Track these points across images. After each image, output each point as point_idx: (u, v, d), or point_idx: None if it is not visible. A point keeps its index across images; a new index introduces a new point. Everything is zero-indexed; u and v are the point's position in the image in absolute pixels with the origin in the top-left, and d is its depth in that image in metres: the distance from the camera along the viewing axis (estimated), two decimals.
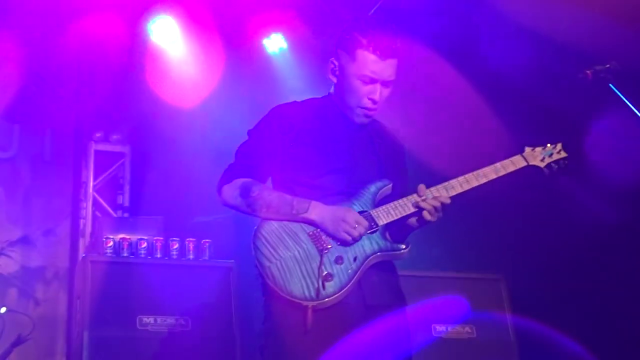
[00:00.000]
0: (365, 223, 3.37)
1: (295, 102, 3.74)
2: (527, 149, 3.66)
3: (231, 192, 3.52)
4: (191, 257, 6.39)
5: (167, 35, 7.39)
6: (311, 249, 3.35)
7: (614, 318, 6.24)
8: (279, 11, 7.33)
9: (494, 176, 3.54)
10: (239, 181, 3.52)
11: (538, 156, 3.63)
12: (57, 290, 7.30)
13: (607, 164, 5.65)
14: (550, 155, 3.64)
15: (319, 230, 3.39)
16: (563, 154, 3.66)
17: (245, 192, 3.47)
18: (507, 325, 6.35)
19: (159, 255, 6.34)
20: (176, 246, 6.38)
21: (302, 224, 3.40)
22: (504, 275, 6.54)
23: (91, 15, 7.12)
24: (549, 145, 3.67)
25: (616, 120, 3.56)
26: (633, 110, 3.39)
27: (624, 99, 3.44)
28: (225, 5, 7.15)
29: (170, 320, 6.03)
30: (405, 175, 3.76)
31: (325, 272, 3.28)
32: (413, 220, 3.54)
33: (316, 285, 3.25)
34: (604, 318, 6.30)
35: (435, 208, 3.42)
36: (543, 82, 6.23)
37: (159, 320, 6.00)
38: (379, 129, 3.76)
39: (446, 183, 3.51)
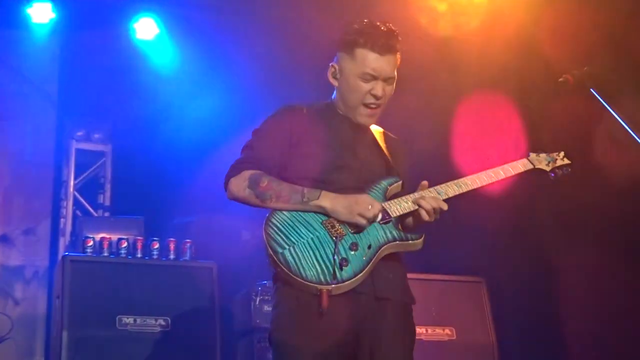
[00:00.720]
0: (379, 205, 3.40)
1: (300, 104, 3.74)
2: (532, 154, 3.81)
3: (240, 183, 3.49)
4: (172, 257, 6.38)
5: (150, 35, 7.37)
6: (325, 236, 3.35)
7: (594, 319, 6.27)
8: (263, 10, 7.32)
9: (502, 176, 3.67)
10: (247, 173, 3.50)
11: (543, 161, 3.79)
12: (37, 289, 7.25)
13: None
14: (554, 161, 3.80)
15: (332, 218, 3.40)
16: (566, 161, 3.83)
17: (254, 183, 3.45)
18: (487, 327, 6.37)
19: (139, 255, 6.32)
20: (157, 246, 6.36)
21: (315, 213, 3.42)
22: (485, 278, 6.56)
23: (74, 14, 7.10)
24: (553, 152, 3.84)
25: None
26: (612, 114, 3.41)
27: (604, 102, 3.46)
28: (208, 5, 7.15)
29: (150, 320, 6.01)
30: (407, 177, 3.77)
31: (340, 258, 3.28)
32: (409, 220, 3.57)
33: (331, 269, 3.25)
34: (585, 320, 6.32)
35: (434, 209, 3.44)
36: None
37: (138, 320, 5.98)
38: (383, 136, 3.81)
39: (457, 180, 3.59)
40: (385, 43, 3.51)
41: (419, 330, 6.10)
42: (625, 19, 5.77)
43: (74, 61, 7.51)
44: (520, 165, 3.74)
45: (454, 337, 6.27)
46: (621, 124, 3.46)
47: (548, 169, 3.78)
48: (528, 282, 6.71)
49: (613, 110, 3.44)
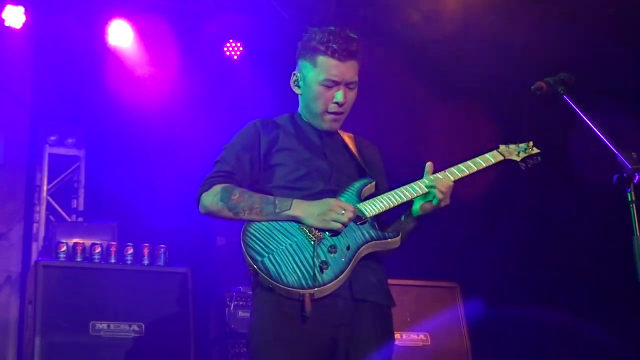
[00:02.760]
0: (352, 207, 3.41)
1: (267, 117, 3.78)
2: (502, 146, 3.80)
3: (211, 197, 3.50)
4: (146, 263, 6.35)
5: (125, 40, 7.34)
6: (303, 240, 3.37)
7: (570, 324, 6.31)
8: (237, 17, 7.33)
9: (474, 169, 3.66)
10: (219, 187, 3.51)
11: (513, 152, 3.79)
12: (9, 295, 7.20)
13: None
14: (525, 150, 3.80)
15: None
16: (536, 150, 3.82)
17: (225, 196, 3.46)
18: (462, 333, 6.39)
19: (113, 261, 6.29)
20: (131, 252, 6.33)
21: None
22: (459, 284, 6.59)
23: (47, 18, 7.06)
24: (522, 143, 3.83)
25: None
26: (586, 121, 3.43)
27: (578, 110, 3.48)
28: (183, 10, 7.14)
29: (124, 326, 5.98)
30: (384, 177, 3.81)
31: (321, 261, 3.29)
32: (428, 205, 3.56)
33: (312, 273, 3.26)
34: (561, 324, 6.37)
35: (449, 188, 3.50)
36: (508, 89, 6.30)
37: (112, 326, 5.95)
38: (354, 140, 3.83)
39: (428, 177, 3.57)
40: (345, 49, 3.55)
41: (394, 336, 6.13)
42: (599, 28, 5.83)
43: (47, 65, 7.46)
44: (491, 157, 3.73)
45: (429, 343, 6.29)
46: (594, 131, 3.48)
47: (519, 159, 3.78)
48: (501, 287, 6.75)
49: (586, 117, 3.47)
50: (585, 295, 6.23)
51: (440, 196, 3.49)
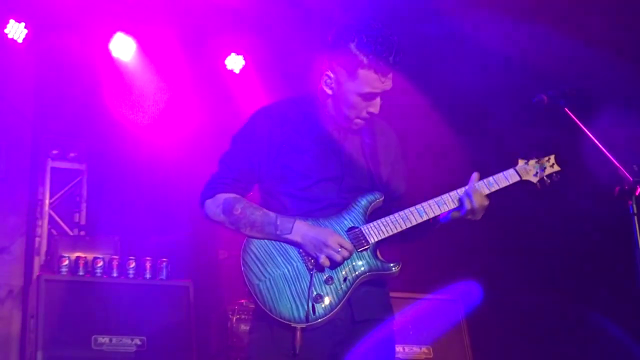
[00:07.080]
0: (350, 247, 3.34)
1: (279, 103, 3.62)
2: (521, 162, 3.58)
3: (214, 208, 3.44)
4: (148, 276, 6.35)
5: (127, 54, 7.36)
6: (301, 267, 3.33)
7: (570, 338, 6.31)
8: (239, 31, 7.34)
9: (486, 192, 3.49)
10: (222, 196, 3.44)
11: (531, 170, 3.56)
12: (11, 309, 7.18)
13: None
14: (544, 169, 3.57)
15: None
16: (556, 168, 3.59)
17: (228, 209, 3.41)
18: (464, 346, 6.37)
19: (115, 275, 6.29)
20: (133, 265, 6.33)
21: None
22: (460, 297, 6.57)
23: (49, 32, 7.08)
24: (543, 158, 3.60)
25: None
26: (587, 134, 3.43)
27: (579, 123, 3.48)
28: (185, 25, 7.16)
29: (126, 340, 5.98)
30: (400, 175, 3.68)
31: (315, 294, 3.26)
32: (455, 214, 3.46)
33: (306, 308, 3.23)
34: (562, 339, 6.36)
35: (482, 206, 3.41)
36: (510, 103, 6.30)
37: (114, 340, 5.95)
38: (371, 127, 3.63)
39: (438, 198, 3.47)
40: (389, 63, 3.35)
41: (397, 349, 6.12)
42: (598, 40, 5.84)
43: (49, 79, 7.47)
44: (507, 178, 3.53)
45: (431, 356, 6.27)
46: (595, 143, 3.48)
47: (536, 180, 3.55)
48: (506, 301, 6.73)
49: (587, 130, 3.47)
50: (590, 305, 6.22)
51: (470, 216, 3.42)
